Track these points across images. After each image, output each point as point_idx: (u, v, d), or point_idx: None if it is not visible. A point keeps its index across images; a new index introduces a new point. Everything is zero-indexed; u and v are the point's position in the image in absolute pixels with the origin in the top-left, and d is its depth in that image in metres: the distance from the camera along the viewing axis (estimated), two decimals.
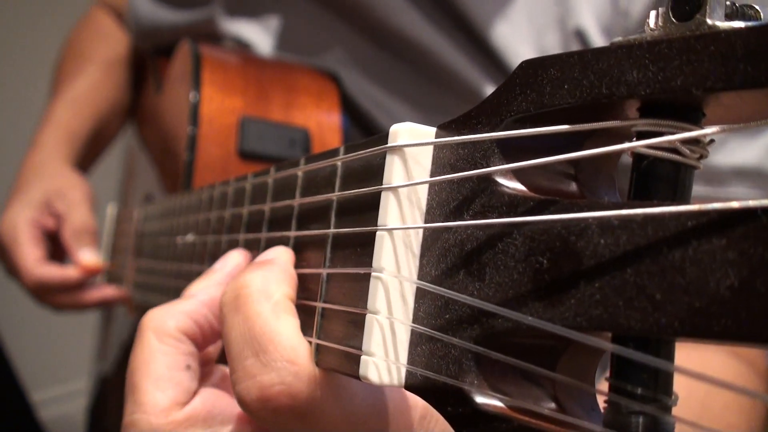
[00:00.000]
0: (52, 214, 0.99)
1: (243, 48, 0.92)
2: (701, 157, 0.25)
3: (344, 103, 0.85)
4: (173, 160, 0.90)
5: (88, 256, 0.97)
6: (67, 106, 1.08)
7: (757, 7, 0.25)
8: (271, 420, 0.37)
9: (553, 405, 0.28)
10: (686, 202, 0.25)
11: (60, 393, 1.85)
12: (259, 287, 0.38)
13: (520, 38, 0.73)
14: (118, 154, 1.31)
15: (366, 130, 0.84)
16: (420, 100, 0.80)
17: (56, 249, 1.00)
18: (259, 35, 0.92)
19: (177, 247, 0.68)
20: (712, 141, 0.25)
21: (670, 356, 0.25)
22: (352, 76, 0.84)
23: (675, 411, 0.25)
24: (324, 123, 0.84)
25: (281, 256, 0.41)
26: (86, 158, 1.10)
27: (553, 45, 0.72)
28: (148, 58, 1.12)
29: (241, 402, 0.38)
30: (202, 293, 0.45)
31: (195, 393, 0.43)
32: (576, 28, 0.70)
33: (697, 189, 0.73)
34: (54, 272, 0.95)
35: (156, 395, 0.41)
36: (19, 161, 1.05)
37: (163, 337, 0.43)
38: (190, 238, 0.64)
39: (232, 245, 0.52)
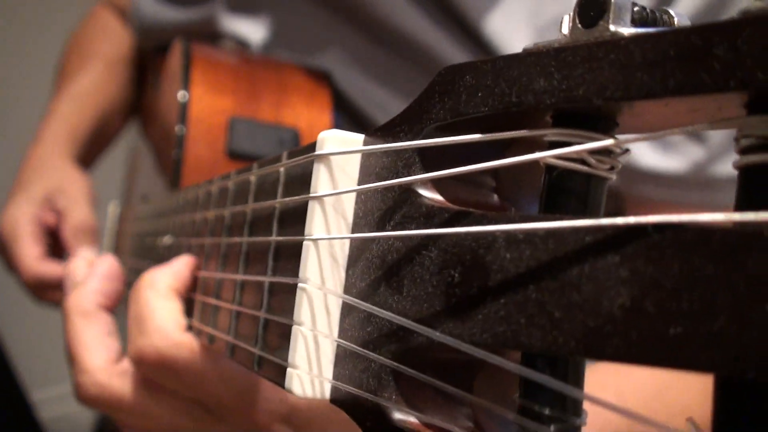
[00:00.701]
0: (53, 210, 0.99)
1: (241, 48, 0.91)
2: (612, 168, 0.24)
3: (341, 102, 0.84)
4: (166, 159, 0.89)
5: (87, 255, 0.97)
6: (70, 102, 1.09)
7: (672, 12, 0.24)
8: (151, 374, 0.49)
9: (469, 423, 0.27)
10: (595, 215, 0.24)
11: (60, 393, 1.86)
12: (149, 281, 0.50)
13: (521, 38, 0.72)
14: (122, 153, 1.31)
15: (364, 129, 0.83)
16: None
17: (56, 244, 1.00)
18: (257, 32, 0.91)
19: (158, 248, 0.68)
20: (627, 151, 0.24)
21: (578, 375, 0.24)
22: (349, 74, 0.83)
23: (587, 429, 0.24)
24: (314, 122, 0.83)
25: (178, 262, 0.53)
26: (88, 155, 1.11)
27: None
28: (148, 56, 1.12)
29: (132, 361, 0.49)
30: (99, 268, 0.59)
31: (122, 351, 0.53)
32: None
33: (692, 196, 0.71)
34: (53, 269, 0.95)
35: (93, 359, 0.52)
36: (22, 157, 1.05)
37: (86, 315, 0.55)
38: (168, 240, 0.64)
39: (200, 250, 0.52)
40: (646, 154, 0.66)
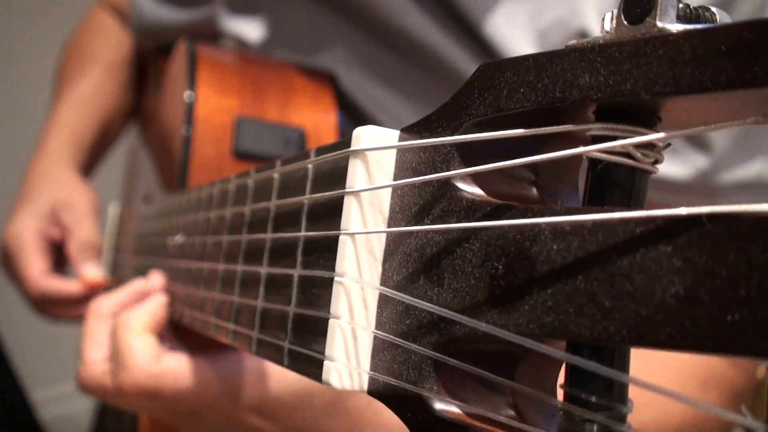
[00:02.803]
0: (59, 225, 0.98)
1: (243, 47, 0.92)
2: (656, 161, 0.25)
3: (343, 102, 0.85)
4: (170, 159, 0.90)
5: (92, 272, 0.96)
6: (72, 109, 1.08)
7: (714, 10, 0.24)
8: (133, 404, 0.59)
9: (511, 412, 0.27)
10: (640, 207, 0.24)
11: (60, 393, 1.85)
12: (125, 322, 0.59)
13: (522, 38, 0.72)
14: (122, 154, 1.31)
15: None
16: (421, 97, 0.80)
17: (59, 258, 1.00)
18: (258, 33, 0.91)
19: (168, 247, 0.68)
20: (668, 145, 0.25)
21: (624, 363, 0.24)
22: (352, 74, 0.84)
23: (630, 418, 0.24)
24: (320, 123, 0.84)
25: (152, 301, 0.62)
26: (91, 161, 1.10)
27: (555, 45, 0.71)
28: (149, 57, 1.12)
29: (116, 392, 0.58)
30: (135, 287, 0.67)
31: None
32: (581, 30, 0.69)
33: (694, 203, 0.72)
34: (58, 285, 0.94)
35: (93, 354, 0.62)
36: (21, 161, 1.05)
37: (100, 317, 0.64)
38: (179, 239, 0.64)
39: (217, 247, 0.52)
40: None
